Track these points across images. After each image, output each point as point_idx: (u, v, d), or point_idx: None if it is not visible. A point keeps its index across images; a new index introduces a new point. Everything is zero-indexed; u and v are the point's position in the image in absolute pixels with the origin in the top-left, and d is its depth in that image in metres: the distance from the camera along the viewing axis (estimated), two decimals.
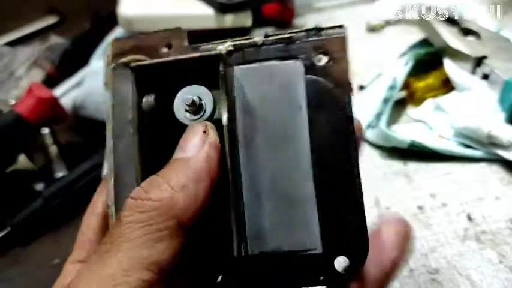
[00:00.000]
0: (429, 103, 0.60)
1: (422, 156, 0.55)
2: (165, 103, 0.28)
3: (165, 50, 0.29)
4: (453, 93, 0.60)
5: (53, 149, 0.73)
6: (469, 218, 0.49)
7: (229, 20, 0.70)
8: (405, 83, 0.62)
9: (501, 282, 0.43)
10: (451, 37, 0.62)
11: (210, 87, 0.27)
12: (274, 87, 0.28)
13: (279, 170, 0.27)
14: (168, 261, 0.22)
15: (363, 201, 0.26)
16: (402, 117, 0.62)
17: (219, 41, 0.29)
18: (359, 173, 0.26)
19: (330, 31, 0.27)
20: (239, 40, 0.28)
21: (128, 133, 0.29)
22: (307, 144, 0.27)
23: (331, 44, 0.27)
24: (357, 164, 0.26)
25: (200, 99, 0.27)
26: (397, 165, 0.56)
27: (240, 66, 0.28)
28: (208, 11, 0.70)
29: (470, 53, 0.59)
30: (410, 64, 0.62)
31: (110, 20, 0.82)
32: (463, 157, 0.54)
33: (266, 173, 0.27)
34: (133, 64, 0.28)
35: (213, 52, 0.27)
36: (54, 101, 0.70)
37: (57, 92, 0.77)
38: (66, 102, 0.75)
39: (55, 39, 0.90)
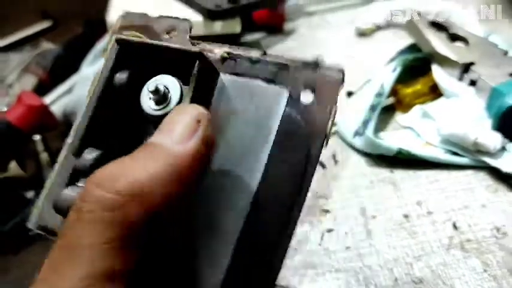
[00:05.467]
0: (417, 110, 0.60)
1: (410, 164, 0.55)
2: (136, 85, 0.27)
3: (166, 36, 0.29)
4: (441, 100, 0.60)
5: (44, 157, 0.73)
6: (455, 226, 0.49)
7: (218, 27, 0.70)
8: (393, 90, 0.61)
9: None
10: (439, 43, 0.61)
11: (185, 83, 0.26)
12: (251, 107, 0.27)
13: (221, 193, 0.25)
14: (132, 273, 0.19)
15: (280, 265, 0.24)
16: (391, 124, 0.61)
17: (220, 44, 0.28)
18: (293, 231, 0.24)
19: (327, 71, 0.25)
20: (236, 50, 0.28)
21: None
22: (258, 177, 0.25)
23: (323, 84, 0.25)
24: (295, 222, 0.24)
25: (167, 90, 0.26)
26: (384, 172, 0.56)
27: (226, 75, 0.27)
28: (197, 17, 0.70)
29: (457, 59, 0.59)
30: (398, 70, 0.62)
31: (102, 25, 0.82)
32: (450, 164, 0.54)
33: (207, 192, 0.26)
34: (118, 36, 0.27)
35: (192, 49, 0.25)
36: (44, 109, 0.71)
37: (48, 99, 0.77)
38: (56, 109, 0.75)
39: (47, 45, 0.90)
